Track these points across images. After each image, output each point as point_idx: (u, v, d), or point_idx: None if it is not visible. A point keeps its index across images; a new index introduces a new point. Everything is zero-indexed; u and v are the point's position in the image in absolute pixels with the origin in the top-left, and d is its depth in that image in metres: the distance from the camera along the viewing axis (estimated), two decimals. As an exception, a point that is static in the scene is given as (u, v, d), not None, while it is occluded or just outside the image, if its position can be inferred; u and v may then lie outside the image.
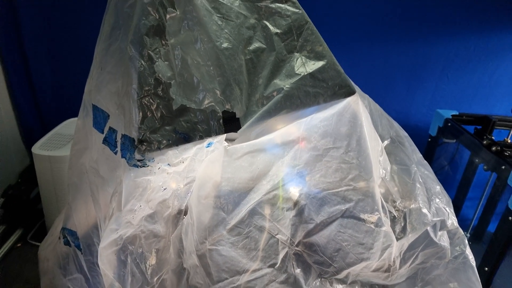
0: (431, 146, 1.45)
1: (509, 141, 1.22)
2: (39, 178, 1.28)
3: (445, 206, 0.90)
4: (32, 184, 1.47)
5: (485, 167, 1.13)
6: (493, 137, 1.24)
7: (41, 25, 1.51)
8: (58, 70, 1.62)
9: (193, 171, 0.75)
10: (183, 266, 0.80)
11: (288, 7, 0.66)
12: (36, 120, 1.68)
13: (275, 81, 0.67)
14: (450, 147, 1.46)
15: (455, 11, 1.45)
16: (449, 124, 1.33)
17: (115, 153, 0.72)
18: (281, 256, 0.78)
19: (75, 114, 1.51)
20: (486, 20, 1.46)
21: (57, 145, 1.28)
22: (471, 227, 1.56)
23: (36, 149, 1.24)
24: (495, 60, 1.51)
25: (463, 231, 1.66)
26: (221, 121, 0.68)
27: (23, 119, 1.62)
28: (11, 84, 1.53)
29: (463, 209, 1.63)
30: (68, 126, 1.44)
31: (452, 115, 1.36)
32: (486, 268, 1.10)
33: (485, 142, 1.12)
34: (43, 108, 1.68)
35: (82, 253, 0.91)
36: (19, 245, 1.40)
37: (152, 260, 0.82)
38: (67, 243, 0.95)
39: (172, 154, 0.69)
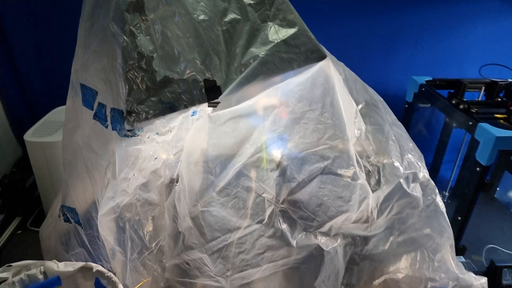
0: (408, 112, 1.52)
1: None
2: (34, 166, 1.32)
3: (417, 161, 0.98)
4: (26, 173, 1.51)
5: (454, 124, 1.21)
6: (464, 99, 1.32)
7: (24, 16, 1.51)
8: (44, 59, 1.64)
9: (181, 140, 0.81)
10: (179, 230, 0.86)
11: (259, -21, 0.71)
12: (24, 110, 1.70)
13: (251, 49, 0.72)
14: (426, 111, 1.54)
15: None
16: (423, 89, 1.41)
17: (106, 126, 0.77)
18: (268, 213, 0.85)
19: (63, 102, 1.54)
20: (455, -12, 1.52)
21: (49, 132, 1.32)
22: (449, 187, 1.66)
23: (28, 136, 1.27)
24: (466, 26, 1.58)
25: (443, 191, 1.76)
26: (203, 90, 0.73)
27: (12, 111, 1.64)
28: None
29: (441, 171, 1.72)
30: (57, 114, 1.47)
31: (426, 81, 1.43)
32: (459, 218, 1.19)
33: (454, 101, 1.20)
34: (31, 98, 1.70)
35: (82, 228, 0.97)
36: (19, 232, 1.45)
37: (149, 227, 0.88)
38: (67, 220, 1.00)
39: (159, 123, 0.74)
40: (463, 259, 1.35)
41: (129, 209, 0.82)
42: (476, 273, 1.03)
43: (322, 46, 0.77)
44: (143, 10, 0.70)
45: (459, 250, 1.29)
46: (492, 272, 1.26)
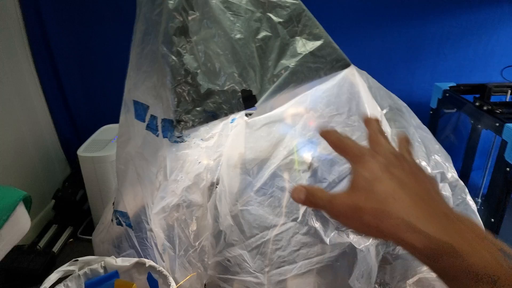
0: (433, 118, 1.56)
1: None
2: (85, 179, 1.46)
3: (444, 161, 1.01)
4: (76, 188, 1.66)
5: (479, 126, 1.23)
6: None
7: (70, 45, 1.71)
8: (88, 86, 1.82)
9: (221, 145, 0.90)
10: (220, 228, 0.94)
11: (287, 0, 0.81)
12: (73, 132, 1.88)
13: (282, 61, 0.81)
14: (451, 117, 1.56)
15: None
16: (447, 95, 1.44)
17: (157, 135, 0.88)
18: (301, 211, 0.91)
19: (107, 122, 1.69)
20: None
21: (97, 148, 1.46)
22: (481, 194, 1.65)
23: (81, 152, 1.42)
24: (487, 32, 1.61)
25: (475, 198, 1.75)
26: (240, 99, 0.82)
27: (62, 132, 1.82)
28: (49, 102, 1.74)
29: (472, 178, 1.71)
30: (103, 132, 1.62)
31: (450, 86, 1.46)
32: (492, 219, 1.19)
33: (477, 103, 1.23)
34: (78, 121, 1.88)
35: (133, 230, 1.07)
36: (71, 240, 1.58)
37: (193, 226, 0.97)
38: (119, 223, 1.10)
39: (203, 130, 0.84)
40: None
41: (177, 209, 0.92)
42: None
43: (346, 56, 0.85)
44: (188, 34, 0.81)
45: (496, 253, 1.28)
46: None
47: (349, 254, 0.96)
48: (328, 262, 0.97)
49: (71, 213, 1.61)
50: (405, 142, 0.37)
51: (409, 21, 1.60)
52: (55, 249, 1.49)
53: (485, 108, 1.19)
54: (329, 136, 0.35)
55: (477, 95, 1.45)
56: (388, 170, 0.30)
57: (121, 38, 1.63)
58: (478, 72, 1.67)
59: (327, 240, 0.94)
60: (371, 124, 0.36)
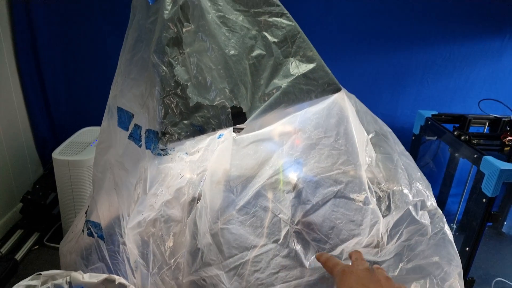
0: (415, 144, 1.59)
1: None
2: (58, 183, 1.39)
3: (425, 190, 1.03)
4: (47, 190, 1.58)
5: (457, 154, 1.27)
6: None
7: (56, 41, 1.65)
8: (71, 85, 1.76)
9: (205, 160, 0.87)
10: (198, 246, 0.91)
11: (283, 20, 0.81)
12: (49, 132, 1.80)
13: (274, 81, 0.81)
14: (432, 144, 1.60)
15: (431, 24, 1.62)
16: (430, 123, 1.48)
17: (140, 146, 0.84)
18: (283, 233, 0.90)
19: (87, 124, 1.63)
20: (458, 31, 1.63)
21: (74, 152, 1.40)
22: (456, 220, 1.69)
23: (56, 154, 1.35)
24: (469, 66, 1.68)
25: (450, 224, 1.79)
26: (230, 115, 0.81)
27: (38, 132, 1.74)
28: (28, 98, 1.66)
29: (448, 204, 1.76)
30: (81, 135, 1.56)
31: (432, 115, 1.50)
32: (467, 248, 1.22)
33: (456, 133, 1.27)
34: (56, 121, 1.80)
35: (104, 243, 1.02)
36: (36, 247, 1.49)
37: (170, 243, 0.93)
38: (90, 234, 1.05)
39: (189, 144, 0.81)
40: (472, 292, 1.36)
41: (154, 224, 0.88)
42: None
43: (337, 81, 0.85)
44: (181, 45, 0.80)
45: (468, 282, 1.30)
46: (502, 306, 1.27)
47: (328, 279, 0.95)
48: (307, 286, 0.95)
49: (39, 217, 1.53)
50: (381, 269, 0.65)
51: (396, 48, 1.64)
52: (18, 256, 1.40)
53: (463, 138, 1.23)
54: (321, 257, 0.65)
55: (457, 125, 1.49)
56: (360, 282, 0.53)
57: (109, 39, 1.59)
58: (458, 102, 1.74)
59: (307, 264, 0.92)
60: (354, 253, 0.74)
